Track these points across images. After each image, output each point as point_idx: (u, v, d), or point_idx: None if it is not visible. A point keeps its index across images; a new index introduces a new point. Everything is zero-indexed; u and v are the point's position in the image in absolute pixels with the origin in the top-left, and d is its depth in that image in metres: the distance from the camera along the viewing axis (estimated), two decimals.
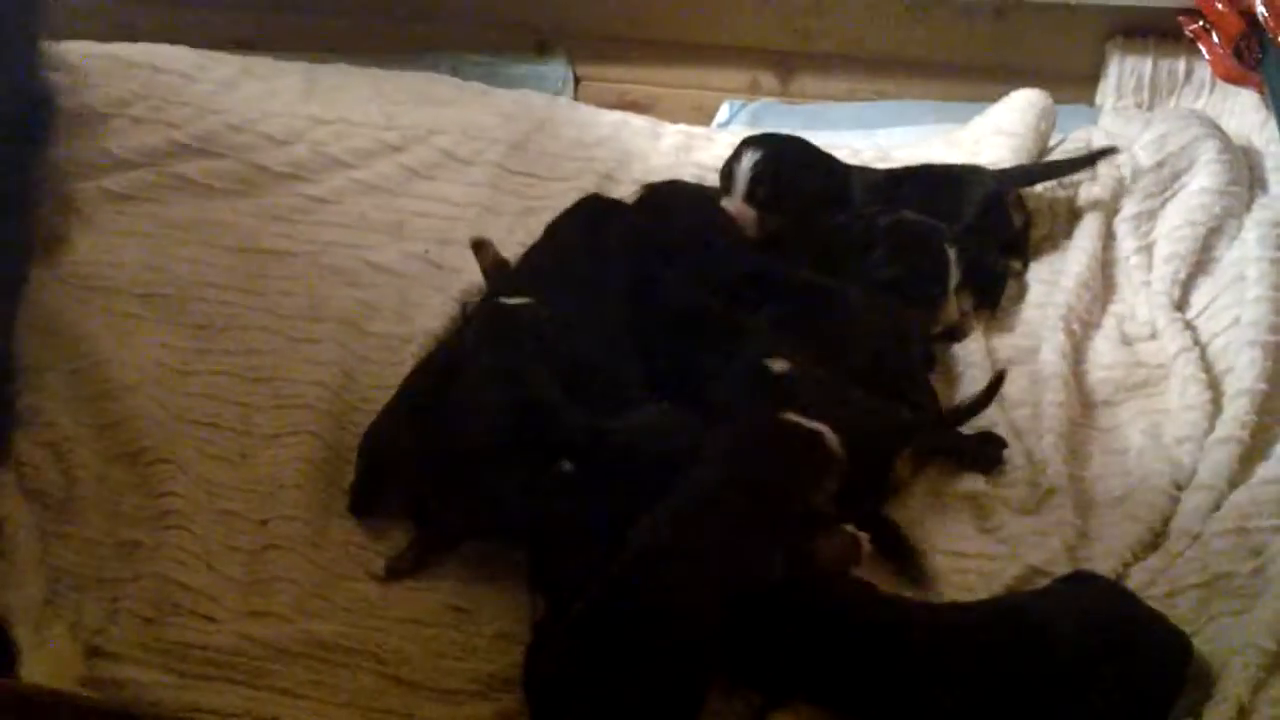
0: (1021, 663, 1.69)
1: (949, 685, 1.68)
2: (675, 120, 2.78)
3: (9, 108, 2.21)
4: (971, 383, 2.19)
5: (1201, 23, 2.64)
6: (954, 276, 2.25)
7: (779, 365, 2.02)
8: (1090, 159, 2.47)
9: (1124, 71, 2.79)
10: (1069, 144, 2.59)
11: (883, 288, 2.22)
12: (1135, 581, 1.90)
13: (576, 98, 2.94)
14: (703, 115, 2.90)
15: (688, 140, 2.69)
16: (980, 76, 2.85)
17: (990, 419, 2.12)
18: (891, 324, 2.19)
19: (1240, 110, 2.68)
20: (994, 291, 2.35)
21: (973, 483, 2.05)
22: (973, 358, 2.24)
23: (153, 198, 2.50)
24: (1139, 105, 2.80)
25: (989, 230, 2.37)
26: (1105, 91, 2.83)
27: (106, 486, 2.02)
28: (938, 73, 2.89)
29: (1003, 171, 2.44)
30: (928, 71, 2.90)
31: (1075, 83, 2.83)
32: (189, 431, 2.11)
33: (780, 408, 1.82)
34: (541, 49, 3.01)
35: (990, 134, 2.57)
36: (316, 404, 2.16)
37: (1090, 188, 2.47)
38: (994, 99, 2.70)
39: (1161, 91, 2.79)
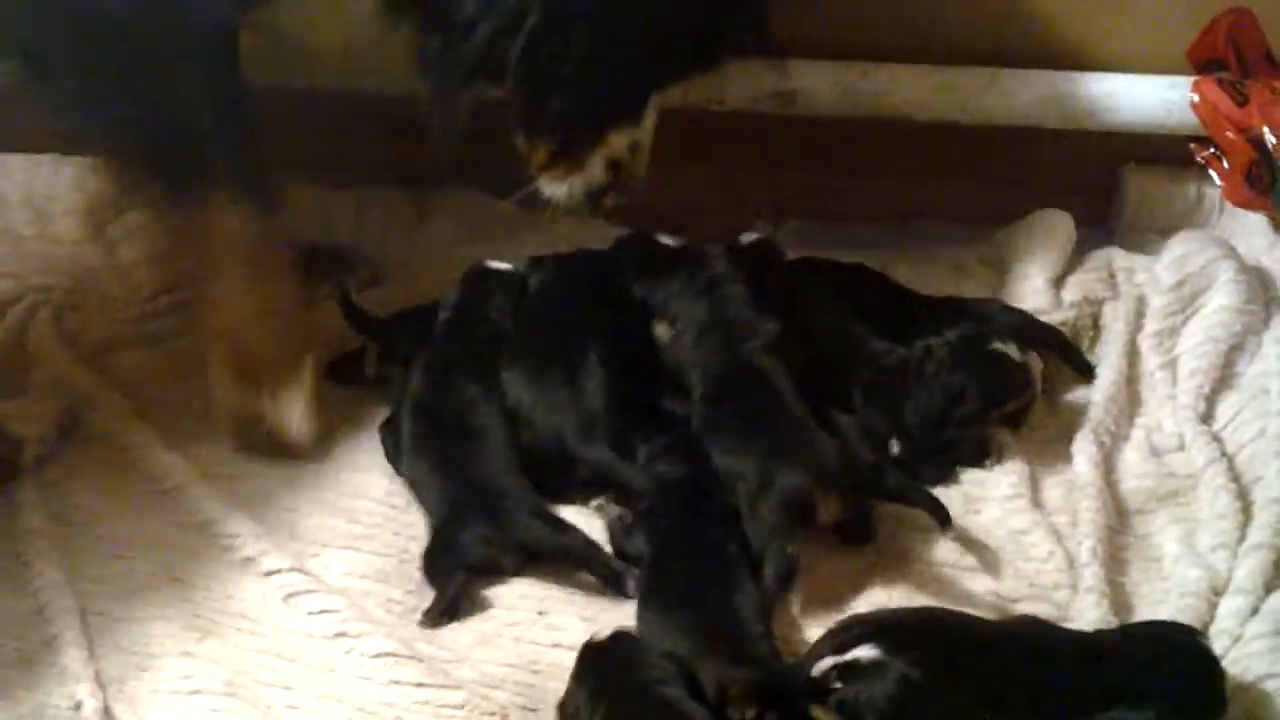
0: None
1: None
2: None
3: None
4: (1008, 485, 2.28)
5: (1212, 150, 2.75)
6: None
7: None
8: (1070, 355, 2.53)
9: (1137, 195, 2.91)
10: (1090, 262, 2.70)
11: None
12: None
13: None
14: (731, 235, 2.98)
15: None
16: (998, 198, 2.94)
17: (1028, 521, 2.20)
18: None
19: (1249, 233, 2.79)
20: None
21: (1014, 586, 2.12)
22: (1010, 466, 2.31)
23: None
24: (1150, 229, 2.90)
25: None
26: (1117, 215, 2.95)
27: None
28: (959, 193, 2.99)
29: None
30: (950, 191, 3.00)
31: (1090, 206, 2.94)
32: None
33: None
34: None
35: (1021, 253, 2.69)
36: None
37: (1115, 306, 2.59)
38: (1010, 219, 2.84)
39: (1173, 215, 2.90)
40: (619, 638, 1.89)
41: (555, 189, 2.36)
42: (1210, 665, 1.89)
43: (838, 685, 1.75)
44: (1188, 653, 1.90)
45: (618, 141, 2.34)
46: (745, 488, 2.08)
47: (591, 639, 1.91)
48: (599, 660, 1.87)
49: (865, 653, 1.76)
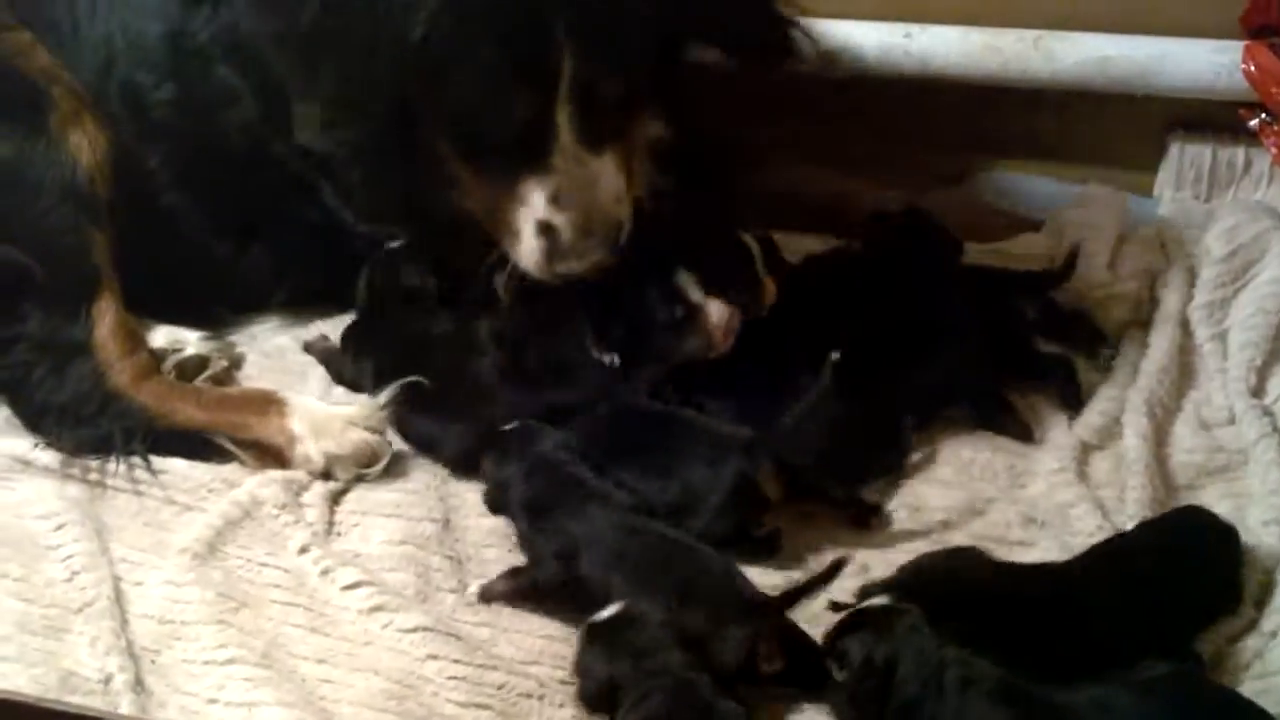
0: None
1: None
2: None
3: None
4: (1055, 459, 2.24)
5: (1264, 115, 2.69)
6: None
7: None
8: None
9: (1184, 163, 2.84)
10: (1141, 233, 2.65)
11: None
12: (1232, 663, 1.91)
13: None
14: None
15: None
16: (1042, 166, 2.89)
17: (1075, 494, 2.16)
18: None
19: None
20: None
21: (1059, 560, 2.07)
22: (1058, 439, 2.28)
23: None
24: (1197, 197, 2.85)
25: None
26: (1164, 183, 2.88)
27: None
28: (1003, 160, 2.94)
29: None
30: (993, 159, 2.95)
31: (1133, 173, 2.88)
32: None
33: None
34: None
35: (1073, 226, 2.64)
36: None
37: (1166, 277, 2.54)
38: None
39: (1220, 183, 2.84)
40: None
41: (512, 251, 2.17)
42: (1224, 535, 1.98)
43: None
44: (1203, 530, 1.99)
45: (534, 198, 2.10)
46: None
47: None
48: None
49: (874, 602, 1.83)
